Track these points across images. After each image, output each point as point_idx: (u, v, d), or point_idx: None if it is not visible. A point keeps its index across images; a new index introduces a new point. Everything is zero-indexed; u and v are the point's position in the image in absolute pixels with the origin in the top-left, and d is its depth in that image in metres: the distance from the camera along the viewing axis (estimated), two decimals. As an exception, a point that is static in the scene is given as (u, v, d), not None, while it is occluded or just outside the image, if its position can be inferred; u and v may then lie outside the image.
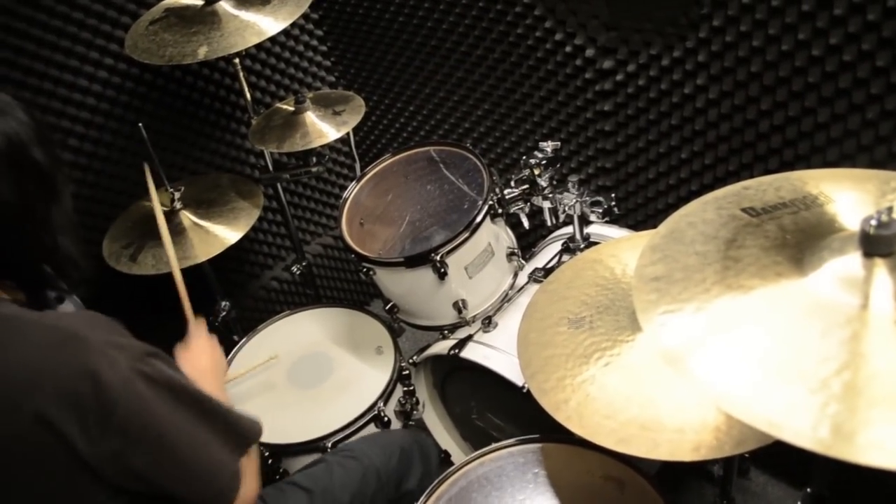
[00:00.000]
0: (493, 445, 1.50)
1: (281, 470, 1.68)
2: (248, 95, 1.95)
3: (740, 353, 0.85)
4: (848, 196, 1.02)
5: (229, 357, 1.90)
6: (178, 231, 1.80)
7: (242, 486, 1.10)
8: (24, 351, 0.94)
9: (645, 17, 1.68)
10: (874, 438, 0.72)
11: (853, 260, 0.88)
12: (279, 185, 2.11)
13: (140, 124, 1.70)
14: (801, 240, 0.96)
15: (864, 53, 1.40)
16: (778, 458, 1.88)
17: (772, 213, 1.02)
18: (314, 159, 2.03)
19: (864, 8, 1.36)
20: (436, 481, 1.42)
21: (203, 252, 1.76)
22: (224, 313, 2.01)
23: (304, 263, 2.27)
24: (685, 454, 1.16)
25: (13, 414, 0.91)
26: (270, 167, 2.05)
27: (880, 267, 0.86)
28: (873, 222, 0.83)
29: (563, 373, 1.33)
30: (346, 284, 2.82)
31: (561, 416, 1.26)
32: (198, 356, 1.38)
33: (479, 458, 1.48)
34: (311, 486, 1.38)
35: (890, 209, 0.83)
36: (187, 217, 1.83)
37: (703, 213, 1.07)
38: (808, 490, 1.13)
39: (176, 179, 1.90)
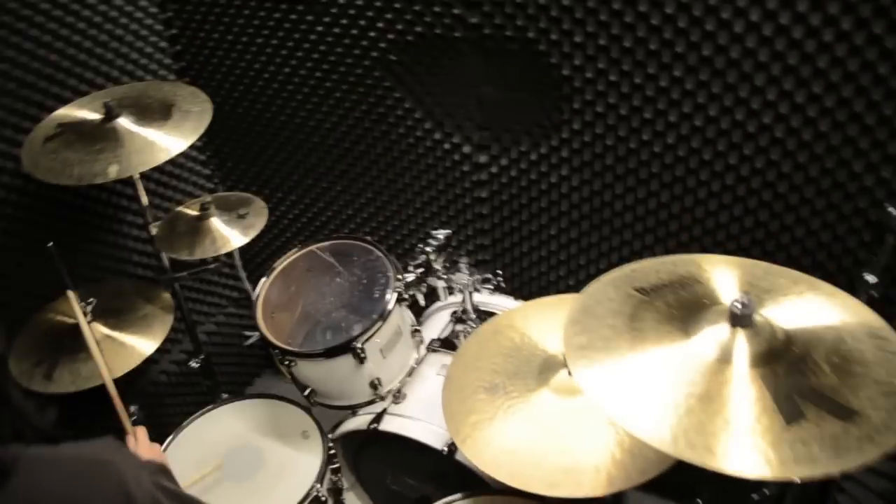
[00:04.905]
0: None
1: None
2: (146, 201, 2.00)
3: (648, 399, 1.11)
4: (715, 276, 1.32)
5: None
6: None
7: None
8: (61, 484, 1.00)
9: (513, 120, 1.98)
10: (733, 453, 1.00)
11: (723, 329, 1.18)
12: (176, 286, 2.16)
13: (50, 244, 1.70)
14: (683, 314, 1.25)
15: (693, 150, 1.78)
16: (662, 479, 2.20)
17: (658, 293, 1.30)
18: (211, 257, 2.11)
19: (705, 107, 1.71)
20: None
21: (119, 366, 1.77)
22: (135, 418, 2.02)
23: (201, 356, 2.32)
24: (603, 488, 1.41)
25: None
26: (168, 267, 2.10)
27: (741, 334, 1.16)
28: (738, 305, 1.14)
29: (489, 434, 1.53)
30: (232, 359, 2.86)
31: (499, 474, 1.46)
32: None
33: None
34: None
35: (748, 295, 1.15)
36: (98, 331, 1.83)
37: (604, 292, 1.34)
38: (698, 501, 1.42)
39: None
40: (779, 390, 1.07)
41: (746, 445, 1.01)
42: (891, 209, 1.53)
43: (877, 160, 1.62)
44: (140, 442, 1.52)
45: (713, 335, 1.17)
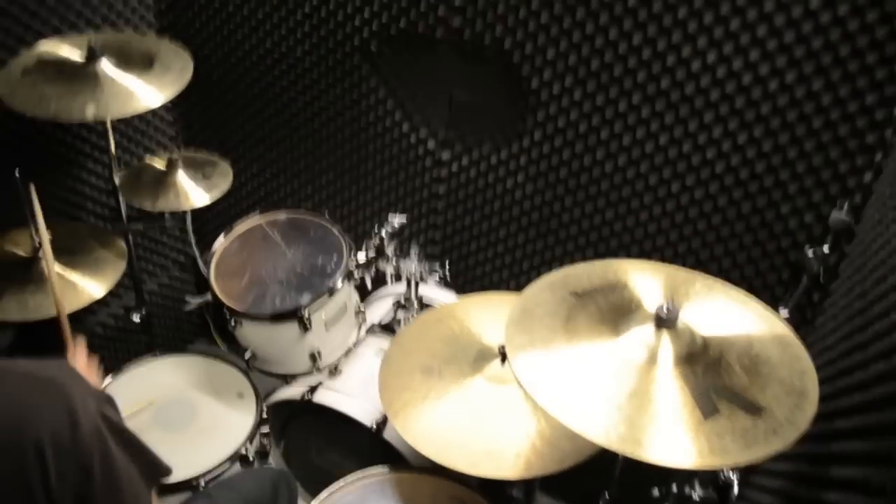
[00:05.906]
0: (357, 474, 1.74)
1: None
2: (113, 150, 2.03)
3: (581, 391, 1.22)
4: (642, 281, 1.45)
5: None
6: (40, 279, 1.83)
7: None
8: (9, 396, 1.04)
9: (479, 123, 2.09)
10: (656, 444, 1.11)
11: (649, 330, 1.30)
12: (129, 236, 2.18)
13: (17, 174, 1.72)
14: (613, 316, 1.36)
15: (640, 174, 1.92)
16: (562, 482, 2.33)
17: (590, 296, 1.42)
18: (167, 214, 2.14)
19: (656, 136, 1.86)
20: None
21: (67, 304, 1.75)
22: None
23: (143, 311, 2.34)
24: (521, 472, 1.52)
25: (13, 450, 1.02)
26: (125, 218, 2.12)
27: (665, 336, 1.29)
28: (664, 308, 1.26)
29: (421, 412, 1.62)
30: (169, 321, 2.88)
31: (425, 450, 1.55)
32: None
33: (345, 484, 1.72)
34: None
35: (673, 300, 1.27)
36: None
37: (542, 294, 1.45)
38: (607, 496, 1.53)
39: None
40: (697, 388, 1.19)
41: (669, 437, 1.12)
42: (808, 252, 1.69)
43: (802, 205, 1.78)
44: (78, 355, 1.57)
45: (640, 336, 1.28)
